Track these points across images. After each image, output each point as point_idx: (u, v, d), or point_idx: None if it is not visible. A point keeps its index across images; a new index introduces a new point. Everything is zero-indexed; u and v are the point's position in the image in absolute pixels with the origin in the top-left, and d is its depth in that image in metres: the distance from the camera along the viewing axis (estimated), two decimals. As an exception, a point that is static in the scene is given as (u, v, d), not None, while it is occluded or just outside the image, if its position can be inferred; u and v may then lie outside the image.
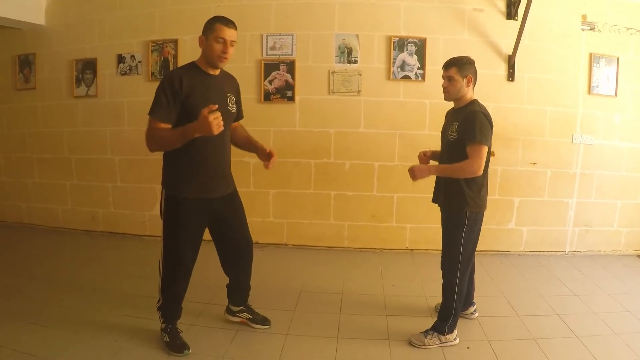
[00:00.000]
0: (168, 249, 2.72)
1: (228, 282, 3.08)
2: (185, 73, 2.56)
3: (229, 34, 2.54)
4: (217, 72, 2.68)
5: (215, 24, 2.53)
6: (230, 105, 2.73)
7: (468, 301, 3.24)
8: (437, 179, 3.02)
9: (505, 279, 4.10)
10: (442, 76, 2.88)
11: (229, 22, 2.56)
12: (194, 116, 2.42)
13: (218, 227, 2.86)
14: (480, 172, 2.68)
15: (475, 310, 3.30)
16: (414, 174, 2.80)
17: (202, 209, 2.68)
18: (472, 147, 2.67)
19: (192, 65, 2.65)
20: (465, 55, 2.87)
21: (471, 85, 2.83)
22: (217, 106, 2.36)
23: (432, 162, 3.08)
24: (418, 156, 3.09)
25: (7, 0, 4.78)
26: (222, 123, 2.37)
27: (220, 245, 2.94)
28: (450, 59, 2.87)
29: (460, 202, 2.78)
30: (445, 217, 2.96)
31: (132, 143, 4.94)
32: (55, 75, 5.29)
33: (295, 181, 4.84)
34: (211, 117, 2.30)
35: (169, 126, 2.49)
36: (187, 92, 2.49)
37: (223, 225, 2.86)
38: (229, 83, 2.82)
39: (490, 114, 2.80)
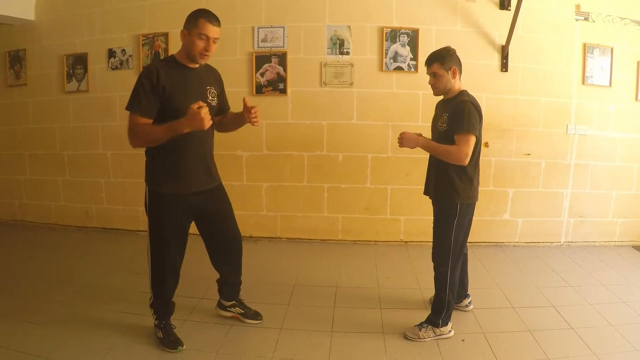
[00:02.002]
0: (154, 246, 2.69)
1: (219, 277, 3.06)
2: (162, 67, 2.49)
3: (212, 31, 2.47)
4: (197, 65, 2.60)
5: (198, 19, 2.45)
6: (210, 98, 2.68)
7: (462, 293, 3.24)
8: (429, 171, 3.01)
9: (499, 271, 4.10)
10: (427, 73, 2.86)
11: (212, 19, 2.48)
12: (171, 110, 2.40)
13: (205, 223, 2.83)
14: (467, 162, 2.66)
15: (469, 303, 3.29)
16: (402, 140, 2.80)
17: (186, 205, 2.64)
18: (459, 136, 2.65)
19: (170, 59, 2.60)
20: (446, 46, 2.84)
21: (457, 76, 2.80)
22: (205, 105, 2.32)
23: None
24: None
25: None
26: (209, 117, 2.32)
27: (208, 240, 2.92)
28: (430, 54, 2.84)
29: (451, 193, 2.76)
30: (436, 208, 2.95)
31: (124, 138, 4.75)
32: (46, 71, 5.23)
33: (288, 174, 4.82)
34: (202, 112, 2.25)
35: (150, 121, 2.44)
36: (165, 86, 2.43)
37: (210, 221, 2.83)
38: (209, 76, 2.76)
39: (484, 105, 2.79)
